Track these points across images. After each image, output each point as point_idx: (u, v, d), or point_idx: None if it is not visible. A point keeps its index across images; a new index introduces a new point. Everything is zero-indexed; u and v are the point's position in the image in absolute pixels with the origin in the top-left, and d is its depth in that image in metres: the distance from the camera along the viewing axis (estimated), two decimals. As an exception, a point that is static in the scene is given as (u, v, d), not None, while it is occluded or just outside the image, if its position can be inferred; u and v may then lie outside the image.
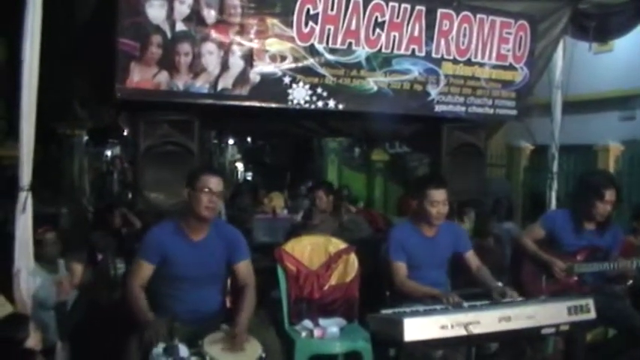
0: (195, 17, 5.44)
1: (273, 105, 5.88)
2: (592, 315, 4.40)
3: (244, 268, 4.56)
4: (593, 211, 5.44)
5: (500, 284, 4.90)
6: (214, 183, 4.38)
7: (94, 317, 5.24)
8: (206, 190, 4.33)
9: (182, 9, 5.38)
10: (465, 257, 5.29)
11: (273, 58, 5.78)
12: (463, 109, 6.72)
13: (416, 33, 6.27)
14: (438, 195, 5.07)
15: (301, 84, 5.88)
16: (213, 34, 5.54)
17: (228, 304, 4.68)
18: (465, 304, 4.47)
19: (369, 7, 6.02)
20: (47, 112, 5.16)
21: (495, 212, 8.85)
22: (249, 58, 5.68)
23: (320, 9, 5.84)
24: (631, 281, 5.60)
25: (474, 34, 6.56)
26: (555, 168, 7.49)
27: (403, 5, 6.14)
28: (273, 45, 5.76)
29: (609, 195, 5.39)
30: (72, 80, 6.25)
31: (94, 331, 5.06)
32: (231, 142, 21.90)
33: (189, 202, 4.40)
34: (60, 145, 11.69)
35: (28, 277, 4.81)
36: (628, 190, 10.40)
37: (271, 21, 5.71)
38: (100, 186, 15.48)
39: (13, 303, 4.71)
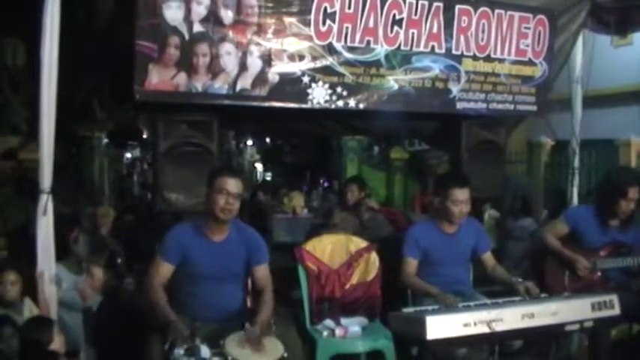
0: (212, 18, 5.44)
1: (293, 105, 5.86)
2: (616, 311, 4.38)
3: (262, 271, 4.56)
4: (616, 209, 5.41)
5: (520, 279, 4.87)
6: (232, 184, 4.36)
7: (116, 320, 5.25)
8: (223, 191, 4.33)
9: (199, 10, 5.38)
10: (484, 258, 5.27)
11: (291, 58, 5.76)
12: (484, 105, 6.68)
13: (435, 30, 6.24)
14: (462, 194, 5.06)
15: (320, 83, 5.87)
16: (231, 34, 5.53)
17: (249, 304, 4.67)
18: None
19: (387, 4, 5.99)
20: (67, 115, 5.18)
21: (512, 209, 8.81)
22: (267, 58, 5.67)
23: (337, 7, 5.82)
24: None
25: (493, 30, 6.52)
26: (576, 163, 7.42)
27: (421, 2, 6.11)
28: (292, 44, 5.75)
29: (632, 193, 5.36)
30: (91, 83, 6.29)
31: (117, 334, 5.08)
32: (250, 142, 21.95)
33: (207, 203, 4.40)
34: (80, 148, 11.77)
35: (52, 279, 4.83)
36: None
37: (289, 20, 5.70)
38: (120, 188, 15.56)
39: (37, 305, 4.75)
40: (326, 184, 15.74)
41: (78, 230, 5.60)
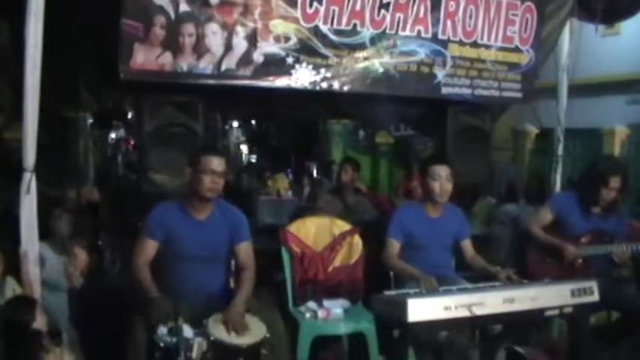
0: (199, -2, 5.44)
1: (277, 85, 5.86)
2: (595, 297, 4.40)
3: (244, 250, 4.57)
4: (598, 197, 5.45)
5: (499, 268, 4.90)
6: (217, 163, 4.37)
7: (100, 299, 5.25)
8: (209, 170, 4.33)
9: (186, -11, 5.37)
10: (463, 244, 5.31)
11: (277, 39, 5.76)
12: (469, 91, 6.70)
13: (421, 14, 6.25)
14: (441, 170, 5.07)
15: (305, 64, 5.87)
16: (217, 14, 5.52)
17: (232, 285, 4.68)
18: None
19: (374, -13, 5.99)
20: (52, 95, 5.15)
21: (497, 195, 8.84)
22: (253, 38, 5.67)
23: (324, -11, 5.83)
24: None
25: (480, 16, 6.53)
26: (561, 151, 7.45)
27: (408, -14, 6.13)
28: (278, 26, 5.74)
29: (614, 182, 5.39)
30: (77, 63, 6.24)
31: (100, 314, 5.07)
32: (235, 124, 21.86)
33: (190, 182, 4.39)
34: (65, 128, 11.69)
35: (36, 258, 4.81)
36: (634, 174, 10.38)
37: (276, 2, 5.70)
38: (105, 168, 15.47)
39: (20, 285, 4.73)
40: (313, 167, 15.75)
41: (60, 210, 5.56)
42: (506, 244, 7.40)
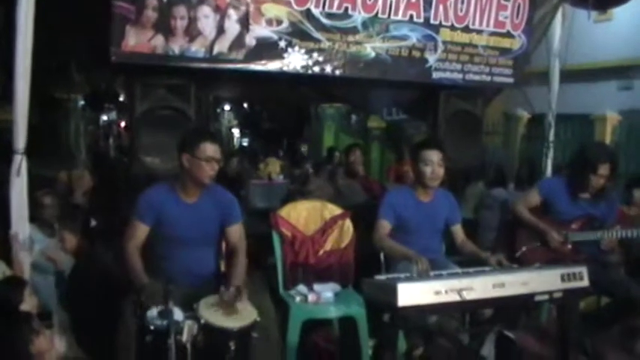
0: (191, -19, 5.41)
1: (269, 68, 5.85)
2: (585, 283, 4.42)
3: (236, 231, 4.56)
4: (586, 183, 5.46)
5: (489, 254, 4.91)
6: (214, 150, 4.36)
7: (90, 282, 5.25)
8: (209, 158, 4.32)
9: (178, -28, 5.35)
10: (453, 229, 5.32)
11: (269, 22, 5.76)
12: (460, 76, 6.70)
13: (413, -1, 6.24)
14: (432, 155, 5.07)
15: (297, 48, 5.87)
16: (210, -3, 5.51)
17: (222, 268, 4.69)
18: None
19: (366, -29, 5.98)
20: (43, 76, 5.13)
21: (486, 179, 8.86)
22: (245, 21, 5.65)
23: (317, -27, 5.81)
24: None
25: (472, 1, 6.53)
26: (552, 137, 7.48)
27: (400, -30, 6.11)
28: (270, 9, 5.74)
29: (603, 169, 5.39)
30: (68, 44, 6.21)
31: (90, 297, 5.07)
32: (227, 107, 21.85)
33: (188, 168, 4.37)
34: (56, 110, 11.66)
35: (25, 240, 4.81)
36: (625, 160, 10.42)
37: (268, -15, 5.69)
38: (96, 151, 15.47)
39: (10, 267, 4.73)
40: (305, 150, 15.79)
41: (42, 192, 5.53)
42: (495, 228, 7.43)
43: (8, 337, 3.74)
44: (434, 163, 5.07)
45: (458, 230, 5.32)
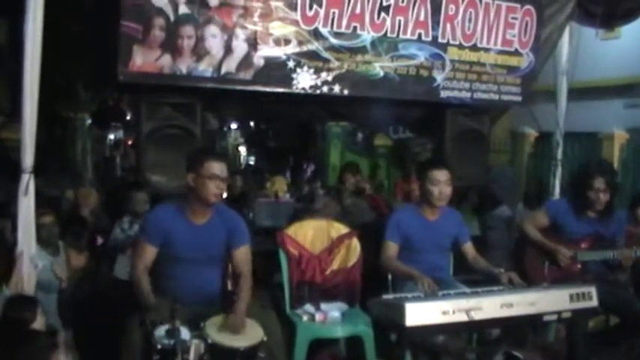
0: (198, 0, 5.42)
1: (278, 89, 5.86)
2: (594, 303, 4.40)
3: (242, 254, 4.54)
4: (587, 200, 5.46)
5: (502, 270, 4.89)
6: (221, 168, 4.36)
7: (96, 300, 5.24)
8: (214, 176, 4.31)
9: (185, -9, 5.36)
10: (464, 248, 5.30)
11: (277, 42, 5.75)
12: (468, 94, 6.69)
13: (422, 17, 6.24)
14: (440, 175, 5.08)
15: (305, 68, 5.86)
16: (217, 16, 5.51)
17: (229, 287, 4.67)
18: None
19: (374, -10, 5.99)
20: (51, 95, 5.14)
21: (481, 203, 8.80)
22: (253, 41, 5.65)
23: (324, -8, 5.82)
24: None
25: (480, 19, 6.53)
26: (559, 155, 7.46)
27: (408, -11, 6.12)
28: (277, 28, 5.73)
29: (598, 183, 5.40)
30: (76, 63, 6.23)
31: (95, 314, 5.06)
32: (234, 126, 21.86)
33: (194, 188, 4.36)
34: (63, 128, 11.70)
35: (32, 260, 4.79)
36: (633, 178, 10.38)
37: (275, 4, 5.68)
38: (103, 169, 15.48)
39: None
40: (311, 168, 15.75)
41: (43, 212, 5.51)
42: (504, 246, 7.40)
43: (26, 356, 3.74)
44: (441, 183, 5.07)
45: (468, 248, 5.31)
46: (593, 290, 4.41)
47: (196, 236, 4.40)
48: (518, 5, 6.71)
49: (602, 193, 5.41)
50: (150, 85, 5.49)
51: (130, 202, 5.98)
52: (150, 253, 4.37)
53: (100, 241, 6.23)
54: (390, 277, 5.20)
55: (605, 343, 5.49)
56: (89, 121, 13.09)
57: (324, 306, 5.23)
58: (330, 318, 5.11)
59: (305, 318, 5.13)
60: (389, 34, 6.15)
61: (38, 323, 4.22)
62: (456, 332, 4.58)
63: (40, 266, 5.07)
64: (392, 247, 5.12)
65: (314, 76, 5.90)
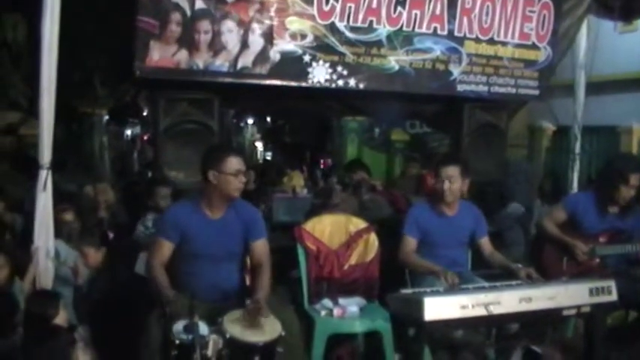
0: (214, -5, 5.43)
1: (294, 84, 5.86)
2: (613, 297, 4.38)
3: (260, 247, 4.54)
4: (616, 195, 5.41)
5: (520, 265, 4.87)
6: (239, 163, 4.37)
7: (112, 296, 5.25)
8: (236, 172, 4.32)
9: (201, -14, 5.36)
10: (481, 242, 5.28)
11: (293, 37, 5.76)
12: (485, 88, 6.67)
13: (438, 11, 6.23)
14: (449, 171, 5.07)
15: (321, 62, 5.87)
16: (233, 11, 5.52)
17: (247, 282, 4.67)
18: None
19: (390, -16, 5.97)
20: (68, 91, 5.15)
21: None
22: (269, 36, 5.66)
23: (340, -14, 5.81)
24: None
25: (497, 13, 6.50)
26: (577, 149, 7.42)
27: (425, -17, 6.10)
28: (294, 23, 5.74)
29: (634, 179, 5.35)
30: (93, 59, 6.26)
31: (113, 310, 5.07)
32: (250, 121, 21.91)
33: (215, 184, 4.35)
34: (80, 124, 11.74)
35: (49, 255, 4.82)
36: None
37: (292, -1, 5.69)
38: (121, 165, 15.53)
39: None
40: (328, 163, 15.74)
41: (63, 208, 5.53)
42: (520, 243, 7.35)
43: (50, 350, 3.76)
44: (451, 179, 5.05)
45: (485, 242, 5.29)
46: (612, 284, 4.38)
47: (214, 231, 4.40)
48: (536, -2, 6.68)
49: (634, 190, 5.38)
50: (167, 81, 5.50)
51: (153, 197, 5.98)
52: (166, 249, 4.37)
53: (111, 236, 6.24)
54: (407, 271, 5.20)
55: (623, 338, 5.46)
56: (106, 117, 13.13)
57: (342, 301, 5.21)
58: (348, 313, 5.09)
59: (323, 313, 5.12)
60: (404, 28, 6.14)
61: (60, 318, 4.26)
62: (475, 327, 4.58)
63: (62, 257, 5.10)
64: (411, 242, 5.12)
65: (330, 70, 5.91)
